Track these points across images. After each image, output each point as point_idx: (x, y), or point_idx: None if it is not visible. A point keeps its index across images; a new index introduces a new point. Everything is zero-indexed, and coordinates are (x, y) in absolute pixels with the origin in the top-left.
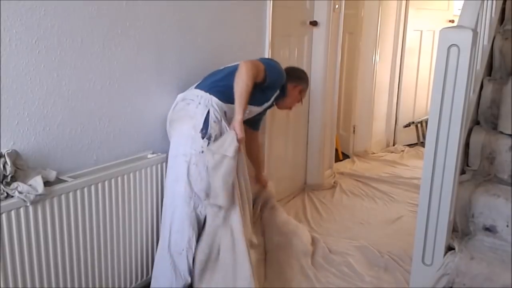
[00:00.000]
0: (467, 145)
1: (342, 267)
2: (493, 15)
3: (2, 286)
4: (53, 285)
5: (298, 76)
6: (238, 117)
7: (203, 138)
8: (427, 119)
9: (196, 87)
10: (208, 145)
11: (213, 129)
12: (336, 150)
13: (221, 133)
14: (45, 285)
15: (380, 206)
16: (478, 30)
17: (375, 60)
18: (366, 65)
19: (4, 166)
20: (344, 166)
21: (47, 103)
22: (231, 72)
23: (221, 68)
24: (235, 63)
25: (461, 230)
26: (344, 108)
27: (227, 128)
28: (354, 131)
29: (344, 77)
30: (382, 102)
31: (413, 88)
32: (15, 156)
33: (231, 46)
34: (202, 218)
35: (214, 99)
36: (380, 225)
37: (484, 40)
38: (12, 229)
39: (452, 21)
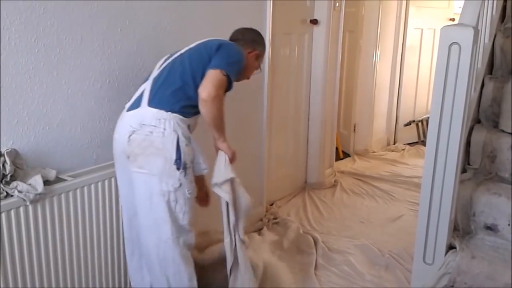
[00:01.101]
0: (468, 143)
1: (343, 266)
2: (494, 13)
3: (2, 285)
4: (53, 284)
5: (252, 40)
6: (222, 143)
7: (178, 169)
8: (428, 117)
9: (152, 105)
10: (185, 175)
11: (186, 154)
12: (337, 148)
13: (193, 153)
14: (45, 284)
15: (381, 205)
16: (479, 28)
17: (375, 58)
18: (366, 64)
19: (3, 165)
20: (345, 164)
21: (47, 102)
22: (190, 76)
23: (170, 61)
24: (185, 50)
25: (462, 229)
26: (344, 106)
27: (191, 138)
28: (354, 129)
29: (344, 75)
30: (382, 101)
31: (414, 86)
32: (14, 155)
33: None
34: (191, 248)
35: (179, 118)
36: (381, 223)
37: (485, 38)
38: (11, 228)
39: (453, 20)
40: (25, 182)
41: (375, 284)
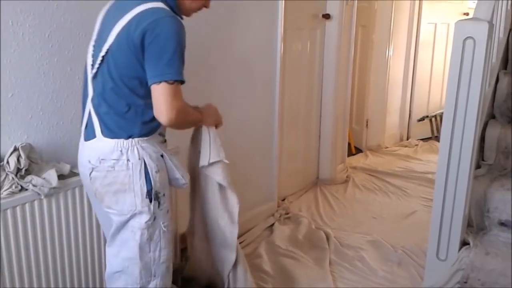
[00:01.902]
0: (482, 139)
1: (355, 261)
2: (508, 7)
3: (16, 279)
4: (67, 277)
5: None
6: (203, 122)
7: (151, 201)
8: (442, 113)
9: (107, 135)
10: (159, 206)
11: (158, 182)
12: (349, 144)
13: (167, 173)
14: (59, 277)
15: (394, 201)
16: (494, 22)
17: (388, 53)
18: (379, 59)
19: (18, 160)
20: (357, 160)
21: (60, 97)
22: (130, 94)
23: (95, 71)
24: (106, 51)
25: (476, 225)
26: (357, 102)
27: (164, 154)
28: (367, 125)
29: (357, 70)
30: (395, 96)
31: (427, 81)
32: (29, 149)
33: (242, 40)
34: None
35: (143, 140)
36: (394, 219)
37: (500, 32)
38: (26, 222)
39: (467, 14)
40: (39, 176)
41: (388, 280)
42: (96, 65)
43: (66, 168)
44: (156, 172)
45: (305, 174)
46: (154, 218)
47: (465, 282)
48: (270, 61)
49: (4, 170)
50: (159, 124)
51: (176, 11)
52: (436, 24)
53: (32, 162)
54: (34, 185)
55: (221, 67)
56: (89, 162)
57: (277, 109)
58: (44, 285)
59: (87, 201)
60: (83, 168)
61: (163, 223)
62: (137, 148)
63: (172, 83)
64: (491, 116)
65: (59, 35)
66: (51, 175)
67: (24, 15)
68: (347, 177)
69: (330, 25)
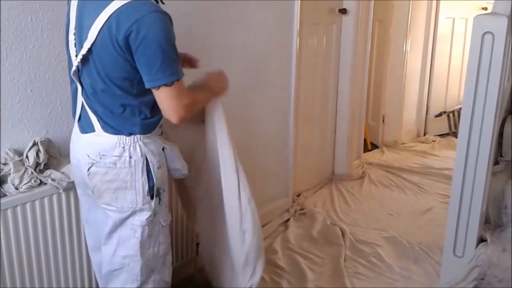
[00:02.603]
0: (500, 135)
1: (371, 258)
2: None
3: (35, 271)
4: (85, 269)
5: None
6: (212, 97)
7: (152, 198)
8: (459, 108)
9: (109, 131)
10: (159, 202)
11: (160, 179)
12: (365, 140)
13: (168, 169)
14: (77, 269)
15: (410, 197)
16: None
17: (405, 48)
18: (396, 54)
19: (37, 154)
20: (373, 156)
21: None
22: (124, 96)
23: (81, 67)
24: (88, 48)
25: (493, 222)
26: (373, 97)
27: (166, 145)
28: (383, 120)
29: (373, 66)
30: (412, 91)
31: (445, 77)
32: (47, 144)
33: (258, 35)
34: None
35: (144, 137)
36: (410, 216)
37: None
38: (45, 215)
39: (485, 9)
40: (58, 171)
41: (404, 277)
42: (78, 62)
43: None
44: (157, 168)
45: (321, 169)
46: (155, 215)
47: (482, 279)
48: (286, 57)
49: (24, 164)
50: (159, 120)
51: None
52: (454, 19)
53: (51, 157)
54: (53, 179)
55: (236, 63)
56: (88, 156)
57: (293, 105)
58: (62, 279)
59: None
60: (77, 161)
61: (162, 218)
62: (139, 144)
63: (171, 85)
64: (510, 111)
65: None
66: (70, 170)
67: (43, 11)
68: (363, 173)
69: (346, 20)
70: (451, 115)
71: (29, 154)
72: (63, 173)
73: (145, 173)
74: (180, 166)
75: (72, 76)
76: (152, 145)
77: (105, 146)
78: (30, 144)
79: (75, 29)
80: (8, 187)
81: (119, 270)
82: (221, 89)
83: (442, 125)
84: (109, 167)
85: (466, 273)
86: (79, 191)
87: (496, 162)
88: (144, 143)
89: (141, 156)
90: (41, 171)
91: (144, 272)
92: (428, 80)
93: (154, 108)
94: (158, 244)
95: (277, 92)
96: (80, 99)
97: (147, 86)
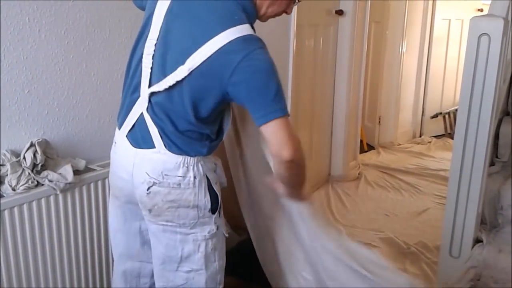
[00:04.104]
0: (496, 136)
1: None
2: None
3: (32, 272)
4: (82, 272)
5: None
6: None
7: (214, 213)
8: (455, 109)
9: (173, 150)
10: (219, 215)
11: (219, 193)
12: (361, 141)
13: (220, 180)
14: (74, 271)
15: (406, 198)
16: (509, 19)
17: (401, 49)
18: (392, 55)
19: (34, 155)
20: (369, 157)
21: (76, 93)
22: (199, 125)
23: (163, 84)
24: (186, 76)
25: (489, 223)
26: (369, 98)
27: (217, 161)
28: (379, 122)
29: (370, 67)
30: (408, 93)
31: (441, 78)
32: (45, 145)
33: None
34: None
35: (205, 157)
36: (406, 217)
37: None
38: (42, 216)
39: (481, 10)
40: (55, 172)
41: None
42: (164, 85)
43: (82, 164)
44: (215, 183)
45: (317, 171)
46: (217, 228)
47: (478, 280)
48: (283, 58)
49: (21, 165)
50: (221, 140)
51: (253, 20)
52: (450, 20)
53: (48, 158)
54: (50, 180)
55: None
56: (147, 174)
57: (289, 105)
58: (59, 280)
59: (103, 197)
60: (129, 176)
61: (224, 230)
62: (201, 164)
63: (281, 118)
64: (506, 113)
65: (75, 32)
66: (67, 171)
67: (41, 12)
68: (359, 174)
69: (343, 21)
70: (446, 116)
71: (26, 155)
72: (60, 174)
73: (207, 192)
74: (224, 180)
75: (143, 85)
76: (208, 163)
77: (168, 166)
78: (27, 145)
79: (157, 40)
80: (5, 188)
81: (183, 285)
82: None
83: (438, 126)
84: (172, 187)
85: (462, 274)
86: (115, 202)
87: (492, 163)
88: (204, 163)
89: (204, 175)
90: (38, 172)
91: (209, 285)
92: (424, 81)
93: (220, 130)
94: (222, 256)
95: None
96: (138, 110)
97: (258, 120)
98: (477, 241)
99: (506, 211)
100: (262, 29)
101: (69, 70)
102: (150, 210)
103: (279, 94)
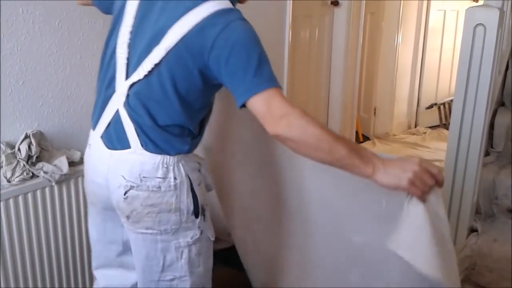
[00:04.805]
0: (491, 126)
1: None
2: None
3: (28, 264)
4: (78, 262)
5: None
6: (375, 174)
7: (197, 217)
8: (450, 100)
9: (151, 149)
10: (204, 219)
11: (202, 196)
12: (356, 132)
13: (205, 182)
14: (70, 262)
15: None
16: (505, 9)
17: (397, 40)
18: (388, 46)
19: (29, 147)
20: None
21: (71, 84)
22: (184, 114)
23: (141, 71)
24: (161, 59)
25: (484, 212)
26: (365, 89)
27: (201, 161)
28: (375, 113)
29: (365, 58)
30: (404, 84)
31: (436, 69)
32: (39, 137)
33: None
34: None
35: (187, 156)
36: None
37: (510, 19)
38: (37, 208)
39: (476, 1)
40: (50, 163)
41: None
42: (142, 71)
43: (77, 155)
44: (198, 185)
45: None
46: (201, 232)
47: (473, 269)
48: (279, 49)
49: (16, 157)
50: (201, 137)
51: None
52: (445, 11)
53: (43, 149)
54: (45, 172)
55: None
56: (124, 178)
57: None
58: (55, 271)
59: None
60: (104, 180)
61: (209, 233)
62: (182, 163)
63: (271, 89)
64: (501, 103)
65: (69, 23)
66: (62, 162)
67: (34, 3)
68: None
69: (338, 12)
70: (442, 107)
71: (21, 146)
72: (55, 165)
73: (190, 193)
74: (210, 181)
75: (119, 79)
76: (191, 163)
77: (146, 167)
78: (22, 136)
79: (132, 27)
80: (0, 180)
81: None
82: (400, 180)
83: (433, 117)
84: (151, 190)
85: (457, 263)
86: (93, 210)
87: (487, 153)
88: (185, 160)
89: (185, 176)
90: (33, 164)
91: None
92: (419, 72)
93: (202, 125)
94: (207, 259)
95: None
96: (114, 106)
97: (241, 100)
98: (472, 230)
99: (501, 201)
100: (258, 20)
101: (63, 61)
102: (128, 217)
103: (263, 66)
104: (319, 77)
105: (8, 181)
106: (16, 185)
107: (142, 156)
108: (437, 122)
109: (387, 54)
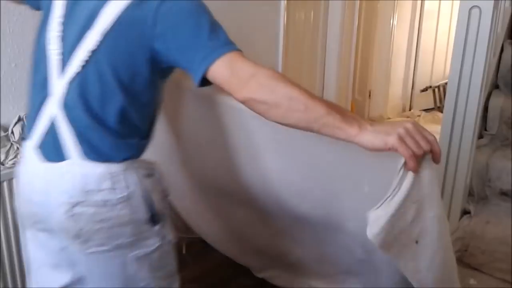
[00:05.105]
0: (485, 109)
1: None
2: None
3: (22, 247)
4: None
5: None
6: (359, 134)
7: (155, 224)
8: (445, 83)
9: (93, 157)
10: (164, 224)
11: (159, 202)
12: None
13: (161, 187)
14: None
15: None
16: None
17: (392, 23)
18: (383, 29)
19: (23, 129)
20: None
21: None
22: (126, 102)
23: (73, 67)
24: (97, 46)
25: (477, 194)
26: (360, 72)
27: (153, 166)
28: (369, 96)
29: (360, 41)
30: (399, 66)
31: (431, 52)
32: None
33: (244, 9)
34: None
35: (134, 162)
36: None
37: (505, 1)
38: None
39: None
40: None
41: None
42: (77, 62)
43: None
44: (153, 191)
45: None
46: (163, 238)
47: (466, 250)
48: (273, 31)
49: (9, 140)
50: (151, 138)
51: None
52: None
53: None
54: None
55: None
56: (67, 194)
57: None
58: None
59: None
60: (43, 196)
61: (170, 237)
62: (132, 170)
63: (230, 53)
64: (495, 86)
65: None
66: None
67: None
68: None
69: None
70: (436, 90)
71: (14, 129)
72: None
73: (144, 202)
74: (165, 186)
75: (54, 78)
76: (141, 169)
77: (90, 179)
78: (15, 119)
79: (63, 17)
80: None
81: None
82: (388, 135)
83: (428, 100)
84: (100, 206)
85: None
86: (30, 232)
87: (480, 136)
88: (135, 167)
89: (137, 184)
90: None
91: None
92: (414, 55)
93: (151, 125)
94: (171, 262)
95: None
96: (49, 111)
97: (198, 72)
98: (465, 212)
99: (493, 183)
100: (252, 3)
101: None
102: (76, 236)
103: (218, 30)
104: (314, 60)
105: (2, 164)
106: (9, 168)
107: (84, 167)
108: (431, 105)
109: (382, 37)
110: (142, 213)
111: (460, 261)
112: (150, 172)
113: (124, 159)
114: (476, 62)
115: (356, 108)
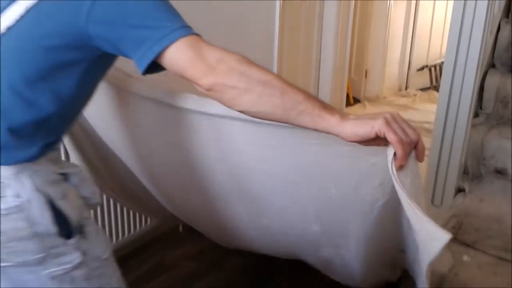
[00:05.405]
0: (481, 88)
1: None
2: None
3: None
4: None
5: None
6: (339, 124)
7: (70, 236)
8: (441, 62)
9: None
10: (85, 236)
11: (71, 210)
12: (347, 95)
13: (80, 194)
14: None
15: None
16: None
17: (389, 2)
18: (380, 8)
19: None
20: (355, 111)
21: None
22: (41, 93)
23: None
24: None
25: (471, 173)
26: (356, 52)
27: (66, 170)
28: (366, 75)
29: (357, 20)
30: (395, 46)
31: (428, 30)
32: None
33: None
34: None
35: (31, 166)
36: None
37: None
38: None
39: None
40: None
41: None
42: None
43: None
44: (62, 199)
45: None
46: (84, 253)
47: (459, 228)
48: (269, 11)
49: None
50: (61, 138)
51: None
52: None
53: None
54: None
55: (214, 24)
56: None
57: (276, 60)
58: None
59: None
60: None
61: (99, 251)
62: (25, 175)
63: (186, 37)
64: (491, 65)
65: None
66: None
67: None
68: None
69: None
70: (433, 69)
71: None
72: None
73: (47, 212)
74: (89, 194)
75: None
76: (44, 173)
77: None
78: None
79: None
80: None
81: None
82: (373, 122)
83: (424, 79)
84: None
85: (443, 223)
86: None
87: (476, 115)
88: (32, 171)
89: (36, 190)
90: None
91: None
92: (411, 34)
93: (65, 118)
94: (107, 281)
95: (260, 47)
96: None
97: (152, 51)
98: (459, 190)
99: (488, 162)
100: None
101: None
102: None
103: (175, 12)
104: (310, 39)
105: None
106: None
107: None
108: (428, 84)
109: (379, 16)
110: (46, 226)
111: (454, 238)
112: (59, 177)
113: (17, 162)
114: (473, 41)
115: (352, 88)
